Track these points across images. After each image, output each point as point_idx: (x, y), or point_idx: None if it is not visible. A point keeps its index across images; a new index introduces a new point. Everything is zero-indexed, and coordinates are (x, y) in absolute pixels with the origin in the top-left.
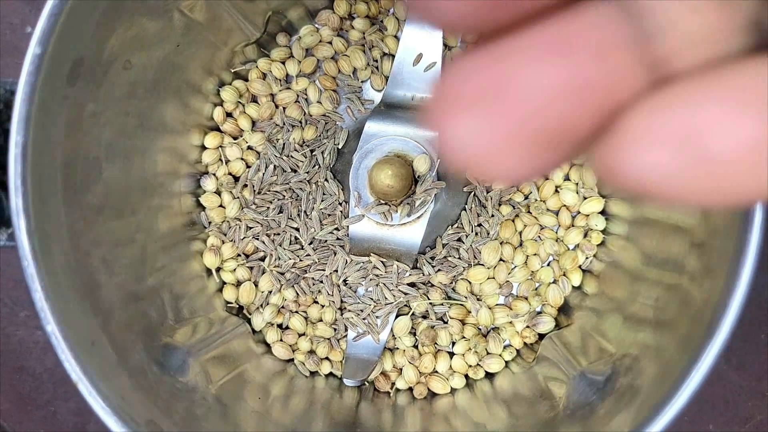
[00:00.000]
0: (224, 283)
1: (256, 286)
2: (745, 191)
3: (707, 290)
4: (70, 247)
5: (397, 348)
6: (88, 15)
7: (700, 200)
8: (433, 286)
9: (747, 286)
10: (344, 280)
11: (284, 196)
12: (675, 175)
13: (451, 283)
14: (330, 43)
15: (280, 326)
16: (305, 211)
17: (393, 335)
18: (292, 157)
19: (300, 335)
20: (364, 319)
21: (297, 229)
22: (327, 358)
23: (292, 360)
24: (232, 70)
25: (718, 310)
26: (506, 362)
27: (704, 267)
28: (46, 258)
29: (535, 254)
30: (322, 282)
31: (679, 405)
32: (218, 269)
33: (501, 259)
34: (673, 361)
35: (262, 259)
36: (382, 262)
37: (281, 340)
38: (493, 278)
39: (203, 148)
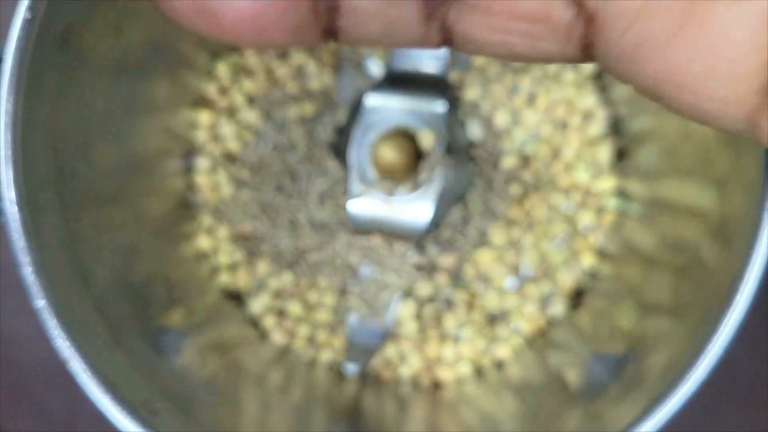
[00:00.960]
0: (219, 265)
1: (253, 269)
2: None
3: (723, 276)
4: (61, 224)
5: (401, 333)
6: None
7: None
8: (438, 268)
9: (762, 270)
10: (346, 262)
11: (282, 175)
12: None
13: (458, 265)
14: None
15: (278, 311)
16: (305, 190)
17: (396, 320)
18: (290, 133)
19: (299, 320)
20: (366, 301)
21: (296, 209)
22: (328, 345)
23: (291, 346)
24: (227, 56)
25: (731, 295)
26: (515, 348)
27: (720, 251)
28: (37, 232)
29: (545, 235)
30: (322, 264)
31: (687, 391)
32: (213, 252)
33: (509, 241)
34: (684, 347)
35: (259, 241)
36: (385, 242)
37: (279, 325)
38: (501, 260)
39: (196, 126)
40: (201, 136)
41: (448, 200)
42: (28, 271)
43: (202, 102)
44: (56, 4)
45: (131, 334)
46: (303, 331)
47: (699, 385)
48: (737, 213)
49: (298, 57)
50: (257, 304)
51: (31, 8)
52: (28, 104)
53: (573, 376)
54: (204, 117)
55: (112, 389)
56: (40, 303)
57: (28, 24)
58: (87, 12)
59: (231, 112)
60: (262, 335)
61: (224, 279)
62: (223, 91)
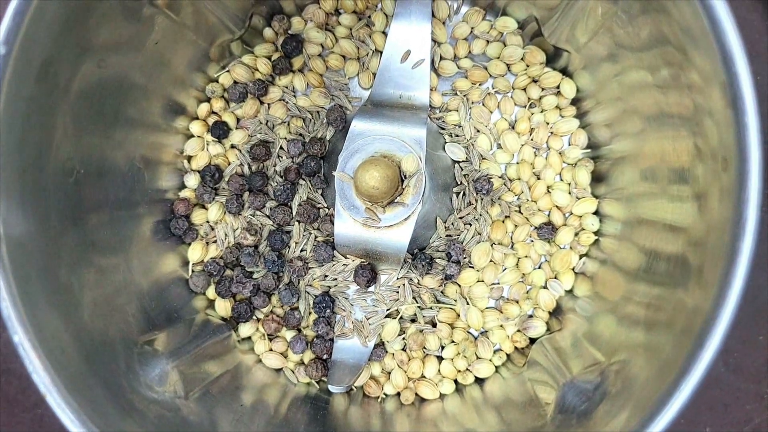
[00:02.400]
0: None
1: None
2: None
3: (702, 290)
4: (40, 254)
5: (386, 352)
6: (56, 14)
7: None
8: (421, 289)
9: (742, 286)
10: (330, 283)
11: (270, 206)
12: None
13: (440, 286)
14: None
15: (269, 336)
16: (292, 219)
17: (381, 339)
18: (275, 181)
19: (289, 342)
20: (351, 321)
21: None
22: (317, 364)
23: (281, 369)
24: (215, 76)
25: (714, 309)
26: (496, 367)
27: (699, 266)
28: (15, 264)
29: (526, 256)
30: (310, 287)
31: (675, 408)
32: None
33: (491, 261)
34: (668, 364)
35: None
36: (368, 264)
37: (271, 350)
38: (483, 281)
39: (187, 137)
40: (190, 147)
41: (430, 223)
42: (3, 305)
43: (190, 125)
44: (33, 38)
45: (112, 364)
46: (294, 355)
47: (684, 403)
48: (716, 227)
49: (284, 78)
50: (246, 328)
51: (6, 42)
52: (6, 137)
53: (550, 399)
54: (195, 127)
55: (87, 422)
56: (16, 338)
57: (3, 59)
58: (67, 45)
59: (219, 136)
60: (252, 358)
61: (216, 308)
62: (213, 112)
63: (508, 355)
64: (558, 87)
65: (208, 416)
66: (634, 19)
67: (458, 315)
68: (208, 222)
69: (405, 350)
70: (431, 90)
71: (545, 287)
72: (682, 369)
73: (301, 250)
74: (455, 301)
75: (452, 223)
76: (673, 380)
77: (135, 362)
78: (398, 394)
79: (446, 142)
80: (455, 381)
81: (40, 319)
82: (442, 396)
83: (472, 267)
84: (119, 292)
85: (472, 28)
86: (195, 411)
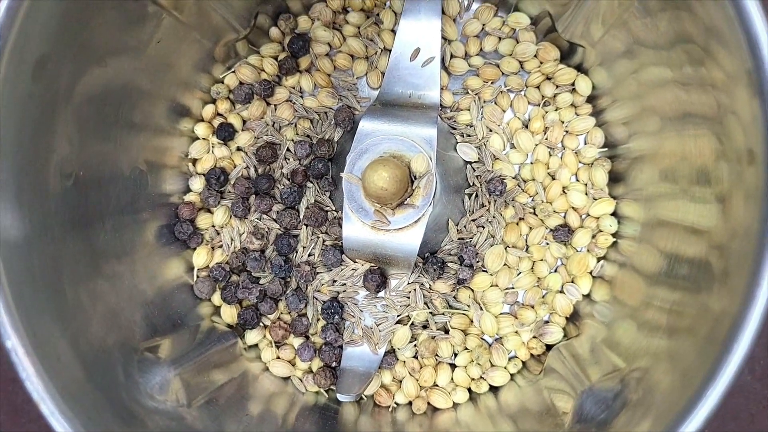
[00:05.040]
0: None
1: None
2: None
3: (727, 295)
4: (39, 259)
5: (397, 359)
6: (51, 9)
7: None
8: (433, 294)
9: None
10: (339, 288)
11: (277, 210)
12: None
13: (453, 290)
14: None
15: (276, 343)
16: (299, 222)
17: (391, 346)
18: (282, 184)
19: (297, 350)
20: (360, 328)
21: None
22: (325, 372)
23: (289, 378)
24: (221, 76)
25: (739, 315)
26: (511, 375)
27: (724, 270)
28: (9, 267)
29: (542, 259)
30: (318, 292)
31: (700, 418)
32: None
33: (505, 265)
34: (692, 371)
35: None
36: (378, 269)
37: (278, 357)
38: (497, 285)
39: (192, 139)
40: (195, 150)
41: (442, 226)
42: None
43: (195, 127)
44: (27, 34)
45: (111, 370)
46: (302, 363)
47: (709, 413)
48: (740, 230)
49: (291, 79)
50: (252, 335)
51: (0, 37)
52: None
53: (568, 408)
54: (201, 130)
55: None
56: (9, 343)
57: None
58: (64, 42)
59: (224, 138)
60: (259, 367)
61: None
62: (219, 114)
63: (523, 363)
64: (573, 84)
65: (213, 425)
66: (652, 12)
67: (471, 321)
68: (213, 226)
69: (416, 357)
70: (442, 89)
71: (562, 291)
72: (706, 377)
73: (309, 255)
74: (468, 306)
75: (464, 226)
76: (697, 389)
77: (134, 370)
78: (410, 403)
79: (458, 143)
80: (469, 389)
81: (34, 324)
82: (455, 405)
83: (486, 271)
84: (121, 299)
85: (483, 24)
86: (200, 420)
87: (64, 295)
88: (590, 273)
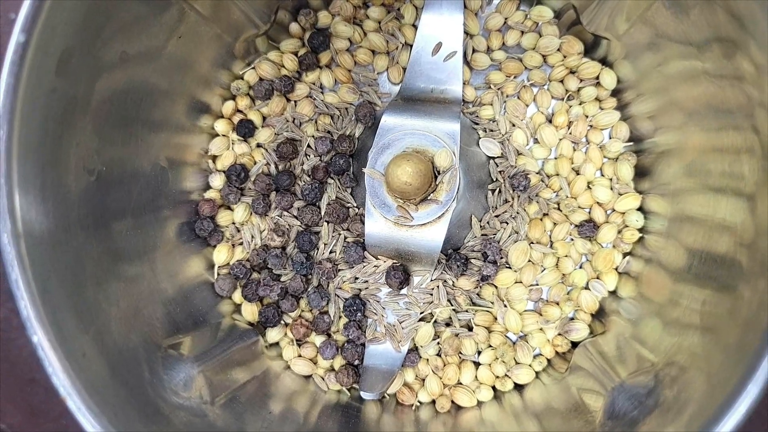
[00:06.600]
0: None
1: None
2: None
3: (760, 293)
4: (63, 254)
5: (420, 357)
6: (76, 2)
7: None
8: (456, 291)
9: None
10: (361, 285)
11: (297, 206)
12: None
13: (476, 287)
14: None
15: (297, 341)
16: (320, 219)
17: (414, 344)
18: (303, 181)
19: (318, 348)
20: (383, 325)
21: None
22: (348, 370)
23: (311, 376)
24: (240, 73)
25: None
26: (536, 372)
27: (755, 268)
28: (34, 262)
29: (566, 256)
30: (339, 289)
31: (734, 421)
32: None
33: (529, 261)
34: (724, 373)
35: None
36: (400, 265)
37: (300, 355)
38: (521, 282)
39: (212, 136)
40: (215, 146)
41: (465, 222)
42: (23, 305)
43: (214, 124)
44: (52, 26)
45: (135, 367)
46: (324, 361)
47: (744, 416)
48: None
49: (311, 75)
50: (273, 333)
51: (25, 30)
52: (24, 130)
53: (598, 406)
54: (220, 126)
55: (108, 426)
56: (35, 338)
57: (22, 47)
58: (88, 36)
59: (244, 134)
60: (281, 365)
61: (243, 312)
62: (239, 111)
63: (548, 360)
64: (597, 78)
65: (235, 423)
66: (681, 2)
67: (495, 318)
68: (233, 223)
69: (440, 355)
70: (464, 83)
71: (587, 288)
72: (740, 379)
73: (330, 252)
74: (492, 303)
75: (488, 222)
76: (731, 391)
77: (159, 366)
78: (433, 401)
79: (480, 138)
80: (493, 387)
81: (59, 320)
82: (479, 403)
83: (510, 267)
84: (143, 297)
85: (505, 18)
86: (222, 417)
87: (87, 291)
88: (616, 269)
